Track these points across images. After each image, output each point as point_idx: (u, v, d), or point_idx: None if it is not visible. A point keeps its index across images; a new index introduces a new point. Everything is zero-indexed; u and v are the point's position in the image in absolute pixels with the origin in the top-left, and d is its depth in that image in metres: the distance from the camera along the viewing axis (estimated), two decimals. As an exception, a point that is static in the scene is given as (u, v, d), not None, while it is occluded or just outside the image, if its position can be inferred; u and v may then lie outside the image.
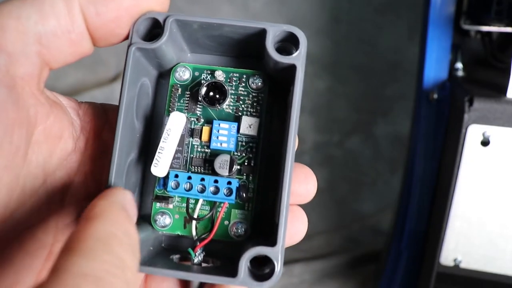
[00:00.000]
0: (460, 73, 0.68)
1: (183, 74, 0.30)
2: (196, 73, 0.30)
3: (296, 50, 0.26)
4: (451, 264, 0.61)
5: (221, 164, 0.28)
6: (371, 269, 0.92)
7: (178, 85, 0.30)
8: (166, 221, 0.30)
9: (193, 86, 0.30)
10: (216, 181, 0.28)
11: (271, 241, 0.26)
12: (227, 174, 0.28)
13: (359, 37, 1.22)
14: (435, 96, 0.66)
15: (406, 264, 0.72)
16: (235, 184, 0.28)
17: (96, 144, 0.29)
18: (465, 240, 0.60)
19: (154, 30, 0.27)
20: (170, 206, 0.30)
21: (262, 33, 0.26)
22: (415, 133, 0.69)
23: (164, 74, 0.31)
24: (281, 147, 0.27)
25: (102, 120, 0.30)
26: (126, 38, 0.27)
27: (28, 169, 0.25)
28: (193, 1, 1.26)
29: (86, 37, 0.26)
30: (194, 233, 0.29)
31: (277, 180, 0.28)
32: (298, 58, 0.26)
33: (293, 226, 0.28)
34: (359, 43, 1.22)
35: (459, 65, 0.68)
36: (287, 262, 0.94)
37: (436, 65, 0.67)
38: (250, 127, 0.29)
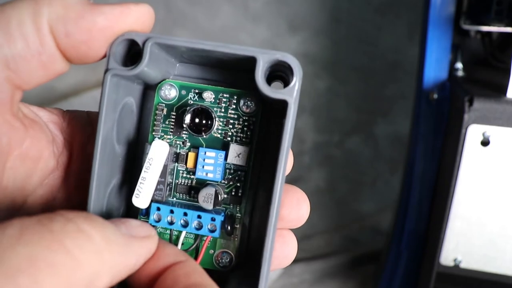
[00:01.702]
0: (460, 73, 0.68)
1: (169, 93, 0.28)
2: (183, 92, 0.28)
3: (291, 79, 0.24)
4: (451, 264, 0.61)
5: (206, 198, 0.27)
6: (371, 269, 0.92)
7: (164, 105, 0.28)
8: None
9: (179, 107, 0.28)
10: (199, 216, 0.26)
11: (254, 283, 0.24)
12: (211, 208, 0.27)
13: (359, 37, 1.22)
14: (435, 96, 0.66)
15: (406, 264, 0.72)
16: (219, 219, 0.27)
17: (80, 159, 0.27)
18: (465, 240, 0.60)
19: (135, 47, 0.24)
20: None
21: (252, 60, 0.23)
22: (415, 133, 0.69)
23: (151, 86, 0.29)
24: (273, 174, 0.25)
25: (87, 131, 0.28)
26: (103, 57, 0.24)
27: (5, 193, 0.24)
28: (194, 2, 1.26)
29: (59, 58, 0.23)
30: None
31: (268, 207, 0.26)
32: (292, 93, 0.23)
33: (282, 251, 0.27)
34: (359, 43, 1.22)
35: (459, 65, 0.68)
36: (287, 262, 0.94)
37: (436, 65, 0.67)
38: (239, 157, 0.27)
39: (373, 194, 1.15)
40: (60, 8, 0.22)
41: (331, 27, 1.23)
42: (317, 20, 1.23)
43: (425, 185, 0.68)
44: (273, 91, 0.24)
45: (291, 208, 0.27)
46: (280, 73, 0.26)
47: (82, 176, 0.27)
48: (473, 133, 0.55)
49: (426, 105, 0.67)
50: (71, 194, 0.27)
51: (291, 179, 1.13)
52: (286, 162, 0.24)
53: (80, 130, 0.28)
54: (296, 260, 0.95)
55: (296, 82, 0.23)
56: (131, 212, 0.29)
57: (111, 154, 0.26)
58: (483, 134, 0.55)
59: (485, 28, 0.65)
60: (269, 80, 0.25)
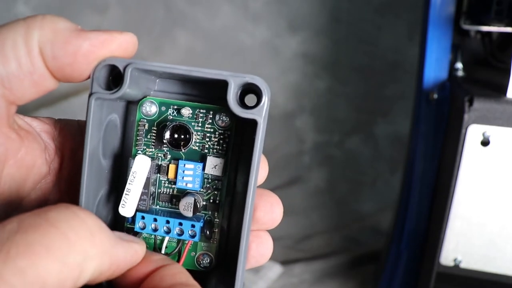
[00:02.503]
0: (460, 73, 0.68)
1: (150, 109, 0.30)
2: (163, 108, 0.30)
3: (260, 99, 0.26)
4: (451, 264, 0.61)
5: (185, 206, 0.29)
6: (371, 269, 0.92)
7: (145, 121, 0.30)
8: None
9: (159, 122, 0.30)
10: (180, 224, 0.29)
11: (231, 281, 0.27)
12: (191, 215, 0.29)
13: (359, 37, 1.22)
14: (435, 96, 0.66)
15: (406, 264, 0.72)
16: (199, 225, 0.29)
17: (70, 165, 0.29)
18: (465, 240, 0.60)
19: (116, 70, 0.27)
20: (139, 236, 0.31)
21: (224, 83, 0.26)
22: (415, 133, 0.69)
23: (133, 102, 0.31)
24: (246, 183, 0.28)
25: (77, 139, 0.30)
26: (87, 78, 0.27)
27: (1, 198, 0.26)
28: (194, 2, 1.26)
29: (48, 77, 0.25)
30: None
31: (242, 213, 0.29)
32: (261, 113, 0.26)
33: (258, 251, 0.30)
34: (359, 43, 1.22)
35: (459, 65, 0.68)
36: (287, 262, 0.94)
37: (436, 65, 0.67)
38: (215, 168, 0.30)
39: (373, 194, 1.15)
40: (50, 32, 0.25)
41: (331, 27, 1.23)
42: (317, 20, 1.24)
43: (425, 185, 0.68)
44: (244, 112, 0.26)
45: (265, 211, 0.30)
46: (252, 91, 0.28)
47: (72, 180, 0.29)
48: (473, 133, 0.55)
49: (426, 105, 0.67)
50: (62, 197, 0.30)
51: (291, 179, 1.13)
52: (258, 172, 0.27)
53: (71, 138, 0.30)
54: (296, 260, 0.95)
55: (264, 103, 0.26)
56: (118, 220, 0.31)
57: (98, 168, 0.28)
58: (483, 134, 0.55)
59: (485, 28, 0.65)
60: (244, 94, 0.27)
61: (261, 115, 0.26)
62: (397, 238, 0.74)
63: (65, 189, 0.29)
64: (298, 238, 0.99)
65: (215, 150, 0.30)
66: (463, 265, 0.61)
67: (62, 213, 0.21)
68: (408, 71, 1.17)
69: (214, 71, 0.26)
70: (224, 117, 0.30)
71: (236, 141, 0.30)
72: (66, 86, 1.17)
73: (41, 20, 0.25)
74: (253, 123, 0.27)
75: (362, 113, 1.21)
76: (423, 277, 0.66)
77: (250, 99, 0.28)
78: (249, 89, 0.27)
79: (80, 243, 0.21)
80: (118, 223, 0.31)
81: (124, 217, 0.31)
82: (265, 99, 0.26)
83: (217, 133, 0.30)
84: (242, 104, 0.27)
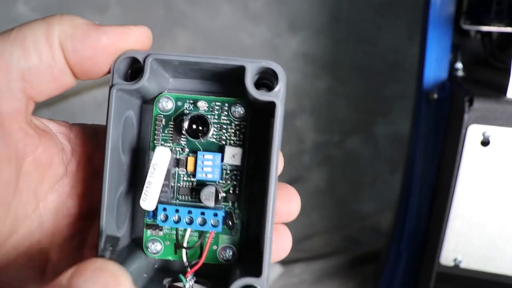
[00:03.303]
0: (460, 73, 0.68)
1: (166, 105, 0.30)
2: (179, 103, 0.31)
3: (275, 84, 0.26)
4: (451, 264, 0.61)
5: (207, 196, 0.29)
6: (371, 269, 0.92)
7: (162, 116, 0.31)
8: (157, 247, 0.31)
9: (176, 117, 0.31)
10: (203, 213, 0.29)
11: (257, 269, 0.27)
12: (213, 205, 0.29)
13: (359, 37, 1.22)
14: (435, 96, 0.66)
15: (406, 264, 0.72)
16: (221, 214, 0.29)
17: (87, 167, 0.29)
18: (465, 240, 0.60)
19: (135, 65, 0.27)
20: (161, 233, 0.31)
21: (241, 69, 0.26)
22: (415, 133, 0.69)
23: (147, 101, 0.31)
24: (267, 169, 0.28)
25: (93, 142, 0.30)
26: (108, 73, 0.27)
27: (19, 198, 0.26)
28: (194, 2, 1.26)
29: (68, 72, 0.26)
30: (185, 259, 0.31)
31: (262, 203, 0.29)
32: (278, 95, 0.26)
33: (278, 244, 0.29)
34: (359, 43, 1.22)
35: (459, 65, 0.68)
36: (287, 262, 0.94)
37: (436, 65, 0.67)
38: (234, 157, 0.30)
39: (373, 194, 1.15)
40: (69, 27, 0.25)
41: (331, 27, 1.23)
42: (317, 20, 1.24)
43: (425, 185, 0.68)
44: (262, 94, 0.27)
45: (282, 203, 0.30)
46: (265, 81, 0.28)
47: (89, 184, 0.29)
48: (473, 133, 0.55)
49: (426, 105, 0.67)
50: (81, 201, 0.29)
51: (291, 179, 1.13)
52: (278, 158, 0.27)
53: (87, 141, 0.30)
54: (296, 260, 0.95)
55: (281, 85, 0.26)
56: (137, 214, 0.31)
57: (118, 163, 0.28)
58: (483, 134, 0.55)
59: (485, 28, 0.65)
60: (256, 88, 0.28)
61: (278, 97, 0.26)
62: (397, 238, 0.73)
63: (82, 193, 0.29)
64: (298, 238, 0.99)
65: (232, 141, 0.30)
66: (463, 265, 0.61)
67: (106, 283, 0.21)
68: (408, 71, 1.17)
69: (230, 57, 0.26)
70: (239, 108, 0.30)
71: (252, 131, 0.30)
72: (66, 86, 1.17)
73: (60, 17, 0.25)
74: (267, 115, 0.27)
75: (362, 113, 1.21)
76: (423, 277, 0.66)
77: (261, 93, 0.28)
78: (262, 83, 0.28)
79: None
80: (136, 219, 0.31)
81: (142, 213, 0.31)
82: (281, 84, 0.26)
83: (233, 124, 0.30)
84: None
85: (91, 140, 0.30)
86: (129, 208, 0.31)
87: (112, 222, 0.28)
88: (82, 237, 0.30)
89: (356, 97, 1.21)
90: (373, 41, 1.22)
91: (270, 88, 0.27)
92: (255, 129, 0.30)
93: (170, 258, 0.31)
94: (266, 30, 1.25)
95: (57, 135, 0.29)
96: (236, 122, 0.30)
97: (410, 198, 0.71)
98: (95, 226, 0.29)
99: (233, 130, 0.30)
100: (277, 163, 0.27)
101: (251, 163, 0.31)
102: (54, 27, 0.25)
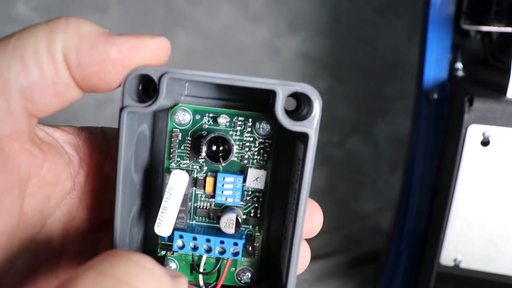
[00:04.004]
0: (460, 73, 0.68)
1: (183, 118, 0.27)
2: (197, 116, 0.27)
3: (309, 109, 0.23)
4: (451, 264, 0.61)
5: (227, 223, 0.27)
6: (371, 269, 0.92)
7: (178, 130, 0.27)
8: (172, 267, 0.29)
9: (194, 132, 0.27)
10: (222, 242, 0.27)
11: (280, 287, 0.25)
12: (233, 233, 0.27)
13: (359, 37, 1.22)
14: (435, 96, 0.66)
15: (406, 264, 0.72)
16: (241, 243, 0.27)
17: (97, 179, 0.27)
18: (465, 240, 0.60)
19: (148, 78, 0.24)
20: (176, 254, 0.29)
21: (271, 92, 0.23)
22: (415, 133, 0.69)
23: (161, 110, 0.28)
24: (288, 192, 0.25)
25: (103, 150, 0.28)
26: (114, 89, 0.24)
27: (25, 219, 0.24)
28: (194, 2, 1.26)
29: (73, 87, 0.23)
30: (201, 283, 0.29)
31: (283, 225, 0.26)
32: (312, 125, 0.23)
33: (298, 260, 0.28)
34: (359, 43, 1.22)
35: (459, 65, 0.68)
36: (287, 262, 0.94)
37: (436, 65, 0.67)
38: (257, 180, 0.27)
39: (373, 194, 1.15)
40: (74, 37, 0.22)
41: (331, 27, 1.23)
42: (317, 20, 1.24)
43: (425, 185, 0.68)
44: (294, 124, 0.23)
45: (305, 221, 0.27)
46: (294, 109, 0.26)
47: (99, 195, 0.27)
48: (473, 133, 0.55)
49: (426, 105, 0.67)
50: (91, 214, 0.27)
51: (291, 179, 1.13)
52: (309, 188, 0.24)
53: (96, 149, 0.27)
54: (296, 260, 0.95)
55: (316, 114, 0.23)
56: (150, 236, 0.29)
57: (130, 185, 0.26)
58: (483, 134, 0.55)
59: (485, 28, 0.65)
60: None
61: (312, 127, 0.23)
62: (397, 238, 0.73)
63: (92, 205, 0.27)
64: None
65: (255, 161, 0.28)
66: (463, 265, 0.61)
67: (129, 268, 0.19)
68: (408, 71, 1.17)
69: (259, 79, 0.23)
70: (264, 124, 0.27)
71: (277, 150, 0.28)
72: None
73: (65, 23, 0.22)
74: (295, 134, 0.24)
75: (362, 113, 1.21)
76: (423, 277, 0.66)
77: (288, 102, 0.25)
78: (293, 97, 0.25)
79: None
80: (149, 239, 0.29)
81: (155, 234, 0.28)
82: (316, 111, 0.23)
83: (257, 142, 0.27)
84: (288, 113, 0.24)
85: (101, 147, 0.28)
86: (141, 227, 0.29)
87: (125, 245, 0.26)
88: (92, 253, 0.28)
89: (356, 97, 1.21)
90: (373, 41, 1.22)
91: (298, 99, 0.24)
92: (280, 147, 0.28)
93: None
94: (266, 30, 1.25)
95: (64, 145, 0.26)
96: (260, 140, 0.27)
97: (410, 198, 0.71)
98: (105, 241, 0.28)
99: (256, 149, 0.27)
100: (307, 195, 0.24)
101: (275, 184, 0.28)
102: (58, 36, 0.22)
